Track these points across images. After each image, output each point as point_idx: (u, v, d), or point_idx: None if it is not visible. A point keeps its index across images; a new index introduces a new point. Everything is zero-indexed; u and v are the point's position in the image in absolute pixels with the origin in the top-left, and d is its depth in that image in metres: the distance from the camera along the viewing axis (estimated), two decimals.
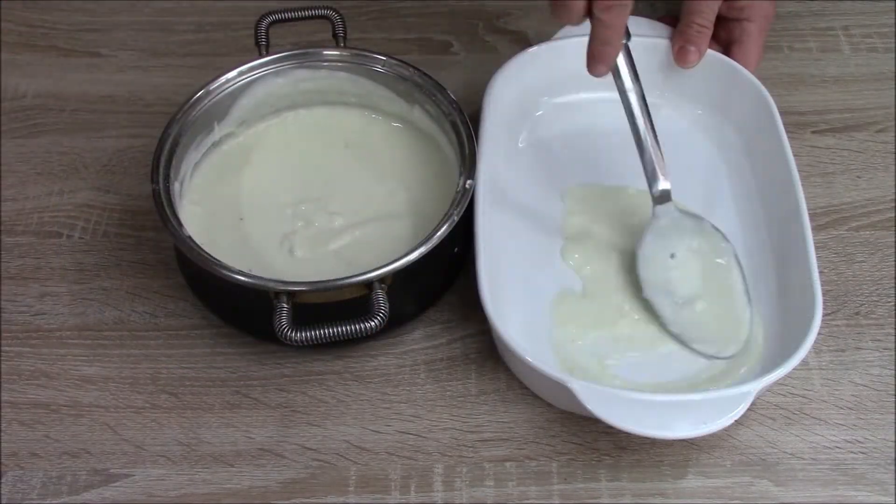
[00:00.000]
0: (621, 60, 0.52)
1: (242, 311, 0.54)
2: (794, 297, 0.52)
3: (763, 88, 0.59)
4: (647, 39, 0.61)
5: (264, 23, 0.59)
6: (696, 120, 0.63)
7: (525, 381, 0.53)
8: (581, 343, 0.53)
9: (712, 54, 0.60)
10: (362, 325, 0.47)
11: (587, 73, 0.52)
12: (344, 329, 0.47)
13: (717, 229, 0.55)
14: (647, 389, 0.51)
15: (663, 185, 0.54)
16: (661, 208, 0.54)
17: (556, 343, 0.53)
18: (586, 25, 0.64)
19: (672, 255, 0.54)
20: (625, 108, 0.53)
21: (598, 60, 0.51)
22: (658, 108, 0.63)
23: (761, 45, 0.62)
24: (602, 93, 0.63)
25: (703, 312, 0.53)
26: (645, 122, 0.53)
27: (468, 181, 0.53)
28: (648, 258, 0.54)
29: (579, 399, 0.45)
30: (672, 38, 0.61)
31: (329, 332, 0.47)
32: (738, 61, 0.60)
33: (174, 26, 0.72)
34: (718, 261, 0.55)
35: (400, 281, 0.50)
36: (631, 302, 0.55)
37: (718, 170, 0.61)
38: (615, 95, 0.64)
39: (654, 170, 0.54)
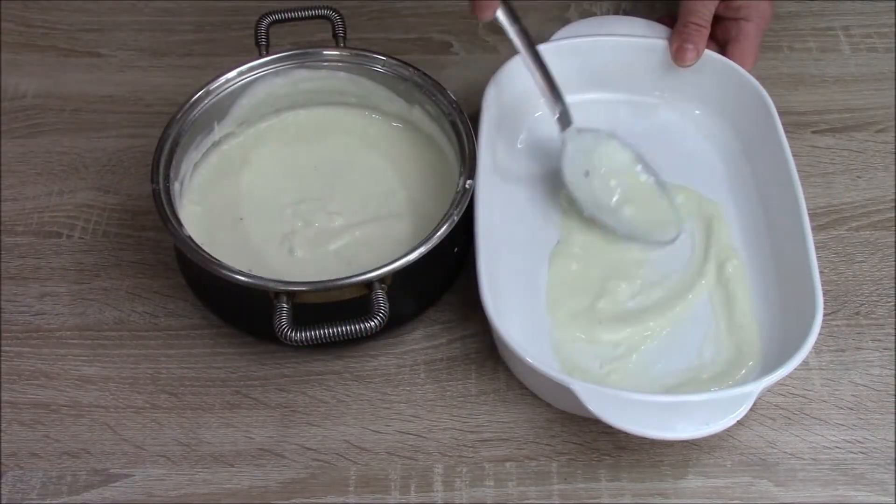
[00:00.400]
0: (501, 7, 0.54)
1: (242, 311, 0.54)
2: (794, 296, 0.52)
3: (762, 89, 0.59)
4: (646, 40, 0.62)
5: (264, 23, 0.59)
6: (695, 120, 0.63)
7: (525, 382, 0.53)
8: (581, 343, 0.53)
9: (711, 54, 0.60)
10: (362, 325, 0.47)
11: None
12: (344, 329, 0.47)
13: (613, 136, 0.58)
14: (649, 389, 0.51)
15: (561, 109, 0.57)
16: (565, 133, 0.57)
17: (557, 343, 0.53)
18: (586, 26, 0.64)
19: (586, 173, 0.57)
20: (516, 49, 0.56)
21: (485, 6, 0.52)
22: (657, 108, 0.64)
23: (758, 45, 0.62)
24: (600, 94, 0.64)
25: (634, 214, 0.57)
26: (531, 56, 0.56)
27: (468, 181, 0.53)
28: (572, 182, 0.57)
29: (581, 400, 0.45)
30: (670, 38, 0.61)
31: (329, 332, 0.47)
32: (734, 61, 0.60)
33: (174, 26, 0.72)
34: (624, 165, 0.58)
35: (400, 281, 0.50)
36: (631, 300, 0.55)
37: (717, 170, 0.61)
38: (613, 96, 0.65)
39: (550, 99, 0.57)
